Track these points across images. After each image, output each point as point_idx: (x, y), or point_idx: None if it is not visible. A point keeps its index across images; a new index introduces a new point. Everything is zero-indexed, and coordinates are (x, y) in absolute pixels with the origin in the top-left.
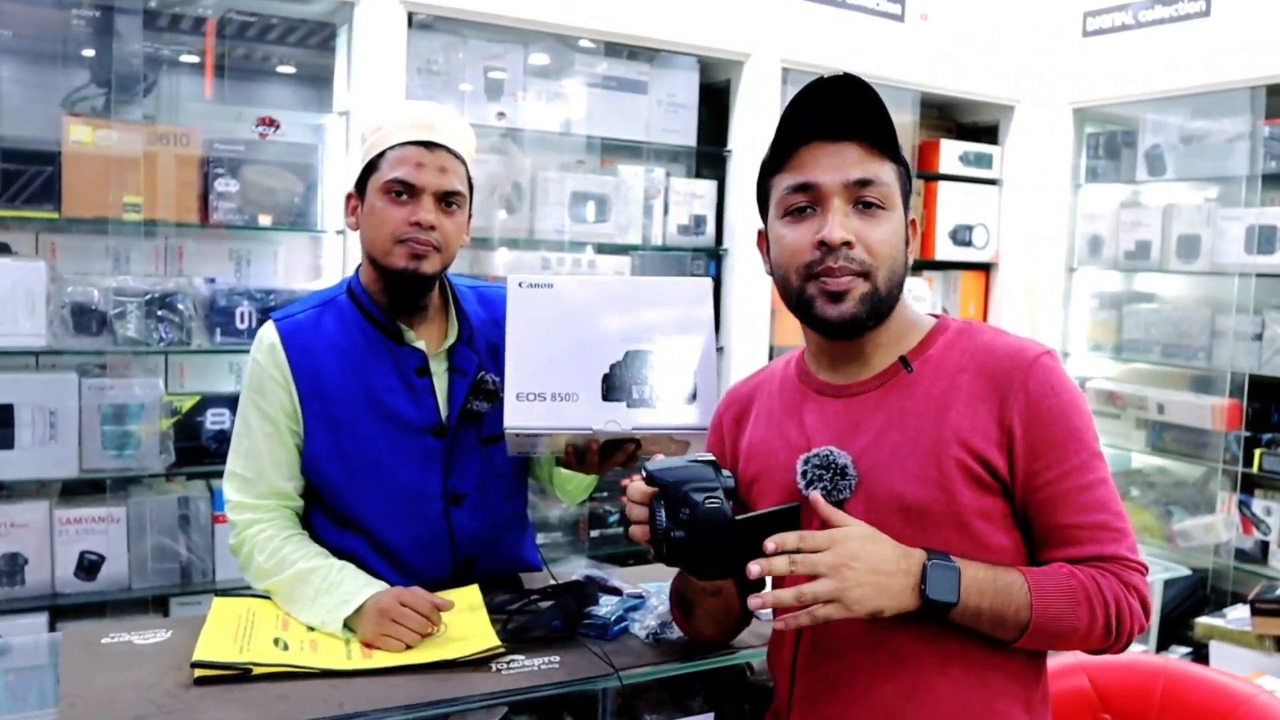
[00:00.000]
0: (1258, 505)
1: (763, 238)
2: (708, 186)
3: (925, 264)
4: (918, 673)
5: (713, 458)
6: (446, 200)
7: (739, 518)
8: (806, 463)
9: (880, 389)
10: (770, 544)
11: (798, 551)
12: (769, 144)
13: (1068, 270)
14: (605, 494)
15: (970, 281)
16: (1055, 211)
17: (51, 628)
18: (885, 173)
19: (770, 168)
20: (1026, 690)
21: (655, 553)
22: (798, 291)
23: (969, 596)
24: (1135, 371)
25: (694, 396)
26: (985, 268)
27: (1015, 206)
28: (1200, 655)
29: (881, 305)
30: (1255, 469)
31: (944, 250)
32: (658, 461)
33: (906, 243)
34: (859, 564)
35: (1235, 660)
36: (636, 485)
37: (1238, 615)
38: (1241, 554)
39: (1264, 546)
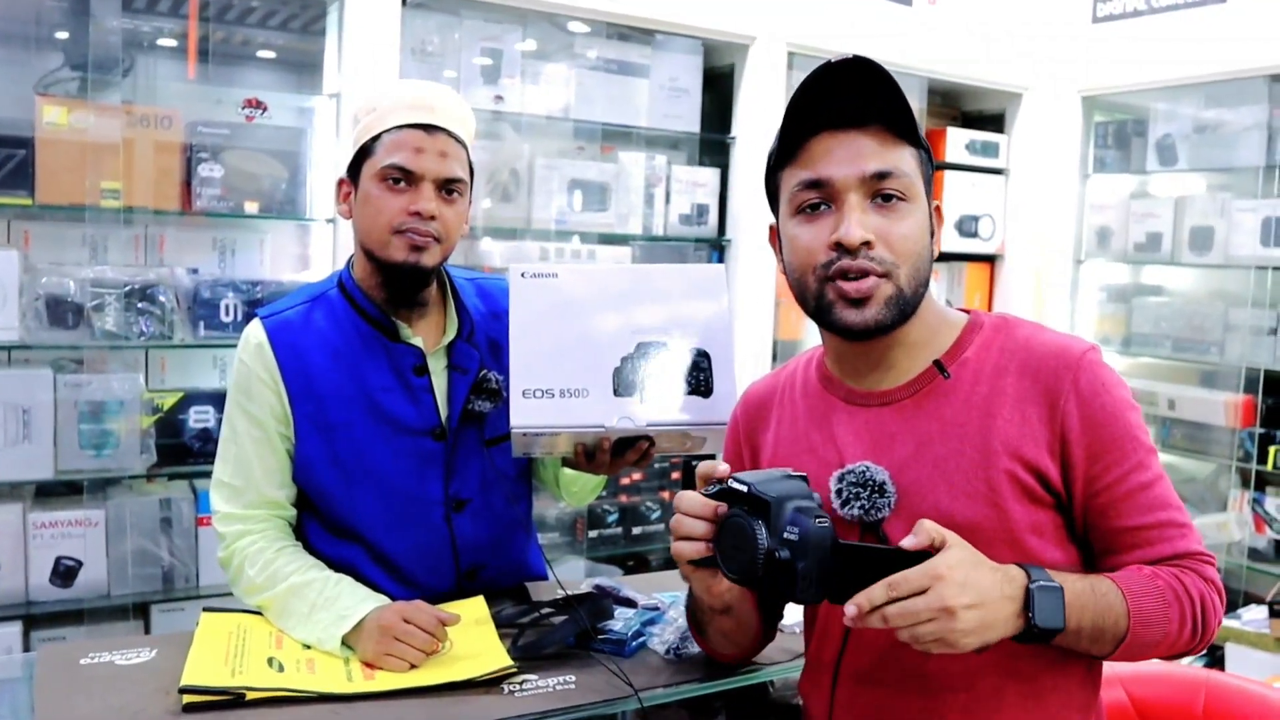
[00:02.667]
0: (1270, 503)
1: (774, 234)
2: (710, 174)
3: (933, 259)
4: (973, 699)
5: (803, 475)
6: (447, 188)
7: (846, 543)
8: (841, 480)
9: (915, 397)
10: (852, 608)
11: (889, 602)
12: (776, 134)
13: (1075, 262)
14: (604, 493)
15: (975, 273)
16: (1063, 202)
17: (25, 637)
18: (905, 161)
19: (778, 160)
20: (1084, 713)
21: (739, 573)
22: (816, 296)
23: (1071, 614)
24: (1144, 366)
25: (711, 390)
26: (991, 259)
27: (1022, 197)
28: (1216, 657)
29: (906, 307)
30: (1270, 466)
31: (949, 241)
32: (748, 475)
33: (931, 233)
34: (963, 599)
35: (1253, 663)
36: (693, 496)
37: (1252, 616)
38: (1254, 553)
39: (1277, 545)
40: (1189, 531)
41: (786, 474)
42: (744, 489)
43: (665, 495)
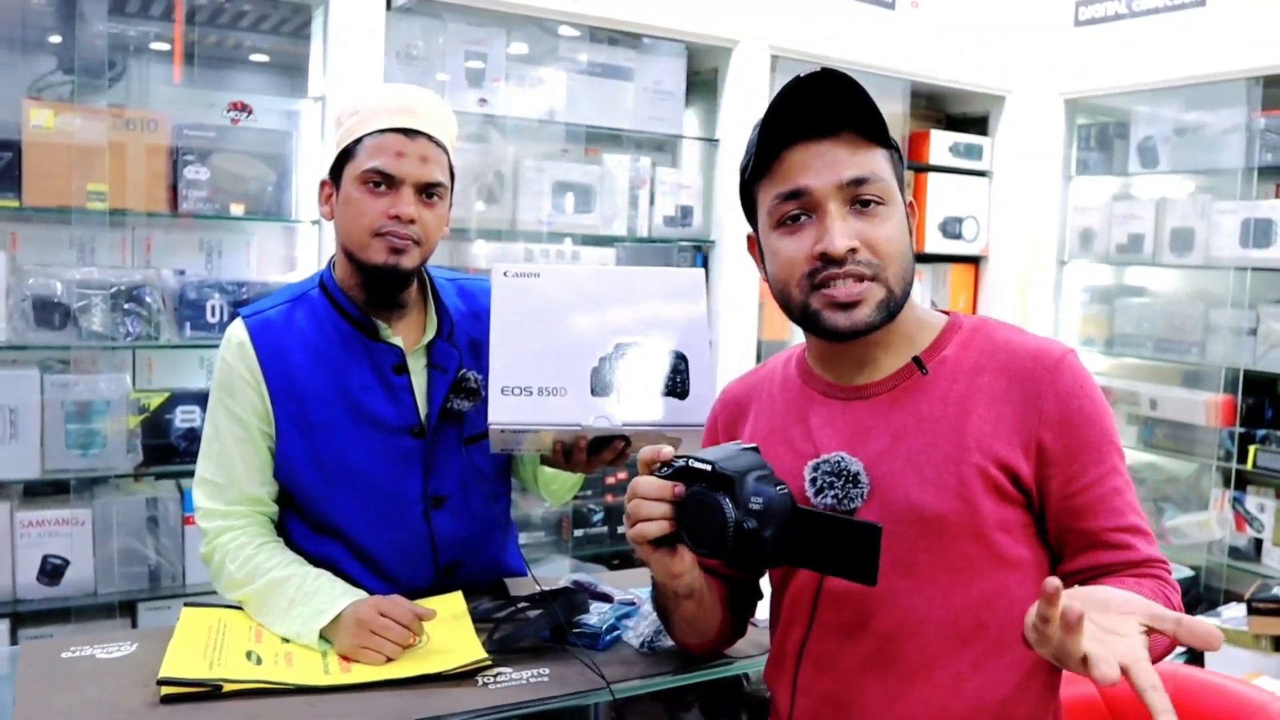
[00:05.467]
0: (1251, 502)
1: (753, 243)
2: (695, 176)
3: (914, 257)
4: (929, 691)
5: (754, 446)
6: (427, 191)
7: (803, 508)
8: (816, 469)
9: (892, 392)
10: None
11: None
12: (747, 148)
13: (1058, 263)
14: (589, 492)
15: (960, 274)
16: (1046, 204)
17: (13, 635)
18: (879, 165)
19: (753, 174)
20: (1042, 710)
21: (710, 548)
22: (801, 306)
23: None
24: (1127, 366)
25: (688, 392)
26: (975, 261)
27: (1006, 199)
28: (1195, 655)
29: (895, 307)
30: (1249, 465)
31: (933, 243)
32: (706, 452)
33: (910, 232)
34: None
35: (1232, 661)
36: (649, 480)
37: (1232, 614)
38: (1235, 551)
39: (1257, 544)
40: (1152, 539)
41: (740, 447)
42: (707, 468)
43: None
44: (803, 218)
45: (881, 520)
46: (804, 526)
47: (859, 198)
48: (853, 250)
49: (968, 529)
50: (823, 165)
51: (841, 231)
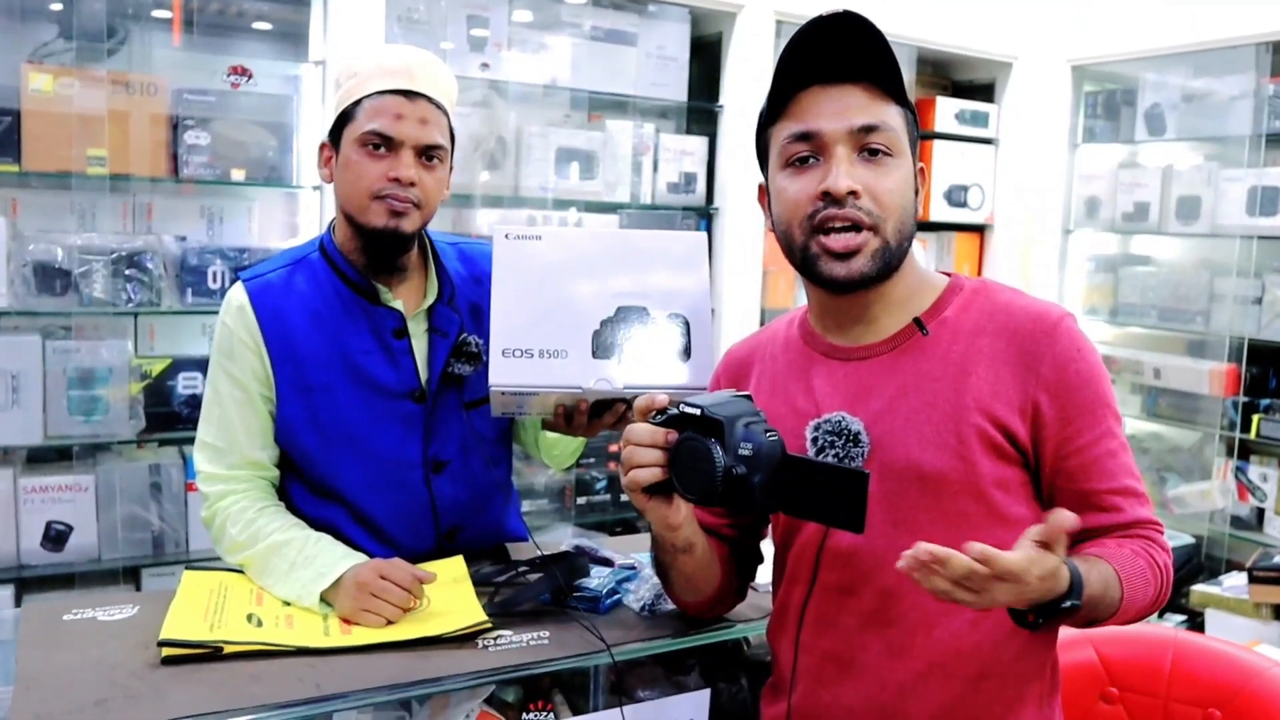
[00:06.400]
0: (1254, 471)
1: (763, 192)
2: (698, 143)
3: (919, 225)
4: (929, 648)
5: (747, 394)
6: (427, 154)
7: (794, 456)
8: (817, 429)
9: (893, 352)
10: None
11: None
12: (767, 92)
13: (1064, 232)
14: (592, 460)
15: (965, 243)
16: (1052, 172)
17: (17, 601)
18: (891, 117)
19: (769, 117)
20: (1039, 666)
21: (699, 493)
22: (801, 247)
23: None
24: (1131, 335)
25: (688, 354)
26: (980, 229)
27: (1011, 166)
28: (1196, 623)
29: (892, 260)
30: (1253, 435)
31: (938, 211)
32: (698, 398)
33: (916, 192)
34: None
35: (1232, 629)
36: (642, 427)
37: (1233, 583)
38: (1237, 521)
39: (1260, 513)
40: (1147, 501)
41: (733, 394)
42: (696, 412)
43: None
44: (811, 160)
45: (882, 478)
46: (794, 473)
47: (868, 145)
48: (854, 193)
49: (966, 487)
50: (835, 109)
51: (846, 173)
